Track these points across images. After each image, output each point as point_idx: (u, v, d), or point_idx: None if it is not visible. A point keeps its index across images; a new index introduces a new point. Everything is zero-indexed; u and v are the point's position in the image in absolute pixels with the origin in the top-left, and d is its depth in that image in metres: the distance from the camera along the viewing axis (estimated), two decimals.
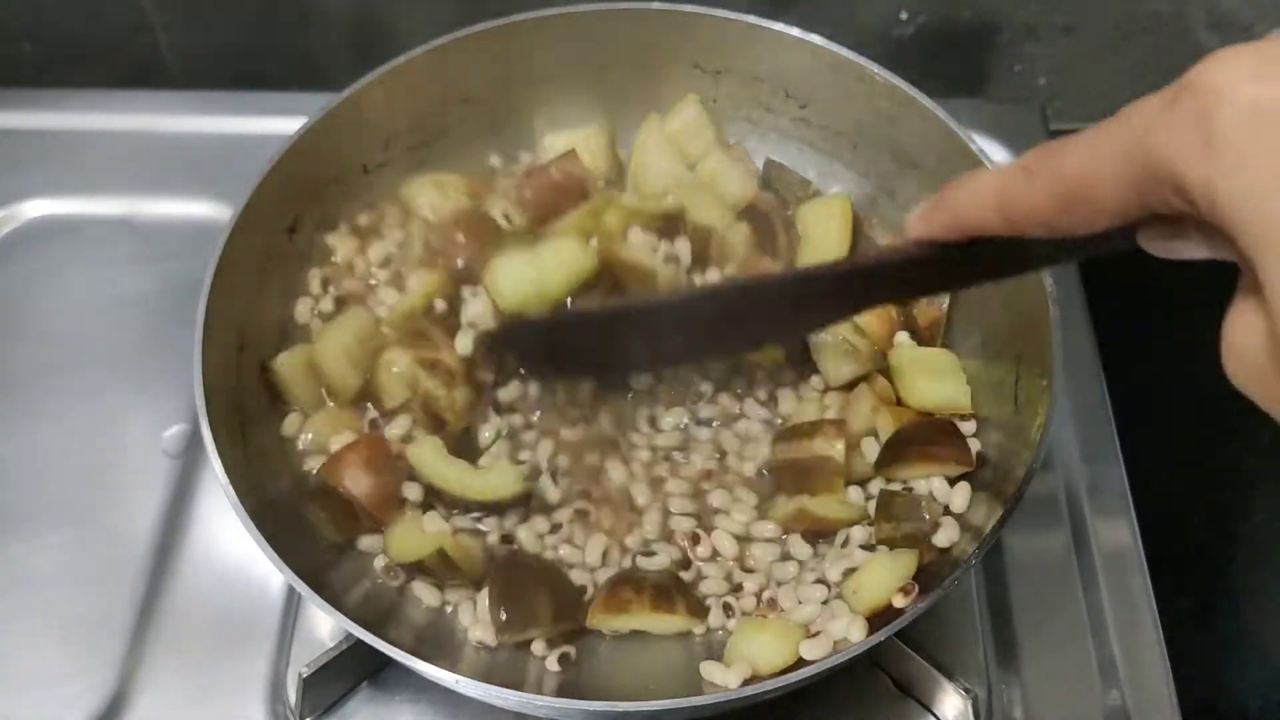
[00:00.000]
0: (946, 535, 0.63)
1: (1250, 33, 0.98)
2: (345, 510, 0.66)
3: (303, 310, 0.73)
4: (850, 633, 0.61)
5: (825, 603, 0.64)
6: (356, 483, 0.65)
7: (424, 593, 0.66)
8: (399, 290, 0.74)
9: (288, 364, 0.70)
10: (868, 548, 0.65)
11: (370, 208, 0.77)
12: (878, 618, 0.62)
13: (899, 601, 0.61)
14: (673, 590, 0.64)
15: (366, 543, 0.67)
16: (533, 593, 0.63)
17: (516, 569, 0.64)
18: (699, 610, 0.64)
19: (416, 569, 0.65)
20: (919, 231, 0.46)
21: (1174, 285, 1.10)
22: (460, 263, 0.72)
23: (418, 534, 0.65)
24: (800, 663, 0.61)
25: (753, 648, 0.61)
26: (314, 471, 0.68)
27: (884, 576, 0.62)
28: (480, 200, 0.77)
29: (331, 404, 0.71)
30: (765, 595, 0.65)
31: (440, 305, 0.71)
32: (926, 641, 0.65)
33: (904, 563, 0.63)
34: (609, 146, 0.81)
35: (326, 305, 0.74)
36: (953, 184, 0.44)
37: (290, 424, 0.70)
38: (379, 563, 0.66)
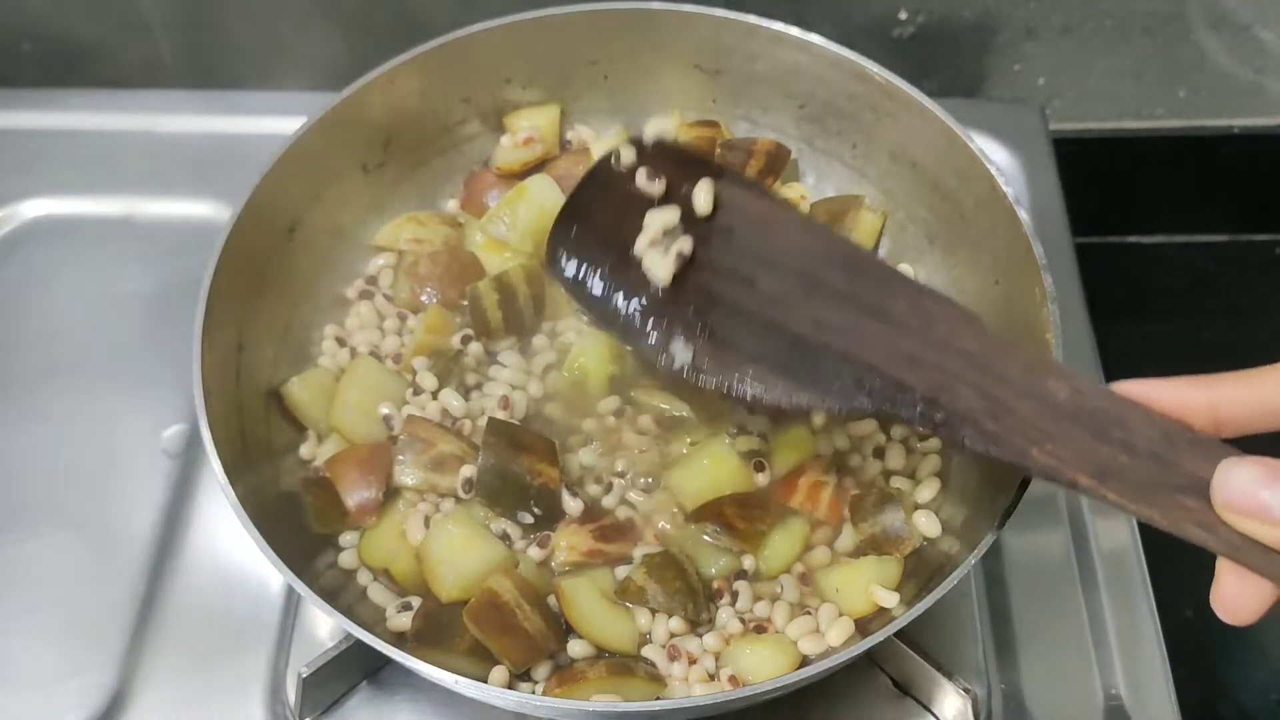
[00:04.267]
0: (928, 526, 0.65)
1: (1249, 32, 0.98)
2: (333, 503, 0.66)
3: (325, 361, 0.74)
4: (834, 631, 0.62)
5: (806, 610, 0.64)
6: (348, 482, 0.66)
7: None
8: (399, 335, 0.75)
9: (300, 387, 0.70)
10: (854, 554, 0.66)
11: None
12: (871, 619, 0.63)
13: (885, 601, 0.61)
14: (631, 663, 0.63)
15: (348, 539, 0.67)
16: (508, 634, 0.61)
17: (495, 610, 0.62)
18: (657, 678, 0.62)
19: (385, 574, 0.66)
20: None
21: (1173, 285, 1.11)
22: (452, 293, 0.74)
23: (391, 540, 0.66)
24: (801, 662, 0.62)
25: (749, 660, 0.62)
26: (315, 463, 0.69)
27: (865, 576, 0.63)
28: (458, 229, 0.79)
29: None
30: (754, 619, 0.65)
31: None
32: (926, 641, 0.65)
33: (887, 564, 0.64)
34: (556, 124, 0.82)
35: (344, 358, 0.74)
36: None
37: (307, 448, 0.70)
38: (348, 560, 0.67)
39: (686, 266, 0.59)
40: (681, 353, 0.58)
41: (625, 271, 0.60)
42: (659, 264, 0.59)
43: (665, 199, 0.61)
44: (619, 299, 0.60)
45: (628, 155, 0.62)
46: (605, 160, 0.62)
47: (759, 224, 0.60)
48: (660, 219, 0.60)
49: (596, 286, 0.61)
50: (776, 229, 0.60)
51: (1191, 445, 0.46)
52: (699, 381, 0.57)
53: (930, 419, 0.51)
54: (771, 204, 0.61)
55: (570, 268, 0.62)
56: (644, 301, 0.60)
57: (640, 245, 0.60)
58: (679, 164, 0.62)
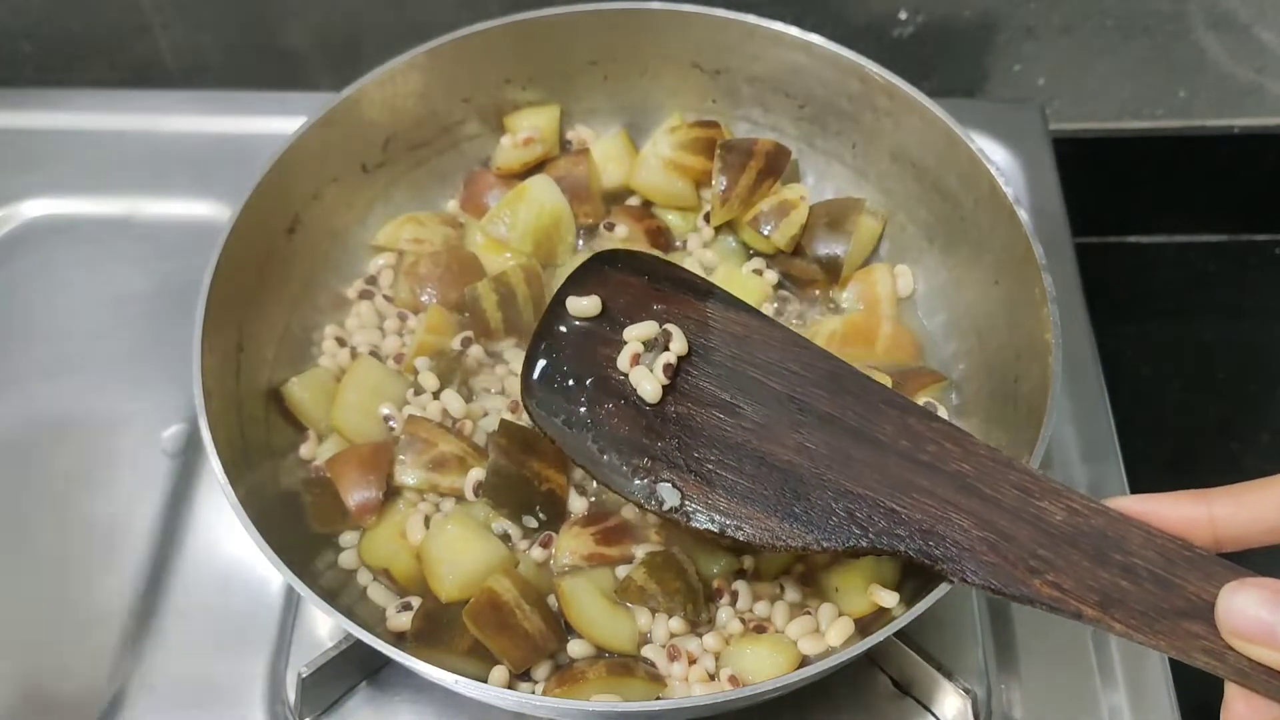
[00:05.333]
0: None
1: (1249, 32, 0.98)
2: (333, 503, 0.66)
3: (325, 361, 0.74)
4: (834, 631, 0.62)
5: (806, 610, 0.64)
6: (348, 482, 0.66)
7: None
8: (399, 335, 0.75)
9: (300, 387, 0.70)
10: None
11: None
12: (871, 619, 0.63)
13: (885, 601, 0.61)
14: (631, 663, 0.63)
15: (348, 539, 0.67)
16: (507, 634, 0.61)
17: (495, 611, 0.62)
18: (657, 678, 0.62)
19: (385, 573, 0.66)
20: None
21: (1173, 285, 1.11)
22: (452, 293, 0.74)
23: (391, 540, 0.66)
24: (801, 662, 0.62)
25: (749, 660, 0.62)
26: (316, 463, 0.69)
27: (865, 576, 0.63)
28: (459, 229, 0.79)
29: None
30: (754, 619, 0.64)
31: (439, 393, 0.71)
32: (926, 641, 0.65)
33: (887, 564, 0.63)
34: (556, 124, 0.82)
35: (344, 358, 0.74)
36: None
37: (307, 448, 0.70)
38: (348, 560, 0.67)
39: (668, 394, 0.59)
40: (669, 495, 0.57)
41: (603, 407, 0.59)
42: (646, 380, 0.59)
43: (644, 318, 0.61)
44: (600, 437, 0.59)
45: (576, 306, 0.62)
46: (559, 302, 0.62)
47: (738, 341, 0.60)
48: (638, 331, 0.60)
49: (575, 425, 0.59)
50: (755, 346, 0.59)
51: (1192, 565, 0.46)
52: (689, 523, 0.56)
53: (929, 554, 0.51)
54: (749, 318, 0.61)
55: (546, 409, 0.60)
56: (626, 438, 0.58)
57: (623, 362, 0.60)
58: (655, 279, 0.62)
